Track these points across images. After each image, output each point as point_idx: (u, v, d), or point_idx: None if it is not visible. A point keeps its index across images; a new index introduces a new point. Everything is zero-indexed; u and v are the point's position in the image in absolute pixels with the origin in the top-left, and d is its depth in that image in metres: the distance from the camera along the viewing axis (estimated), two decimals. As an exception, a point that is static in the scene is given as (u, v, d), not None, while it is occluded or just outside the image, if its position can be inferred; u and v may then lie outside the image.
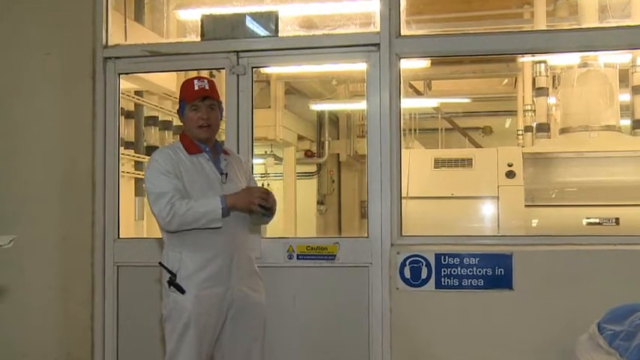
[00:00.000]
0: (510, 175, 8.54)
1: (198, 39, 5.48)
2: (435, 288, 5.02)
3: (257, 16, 5.43)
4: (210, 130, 4.22)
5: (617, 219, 8.17)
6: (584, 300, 4.80)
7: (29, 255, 5.44)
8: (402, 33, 5.23)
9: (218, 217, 3.99)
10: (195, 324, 4.04)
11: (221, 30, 5.43)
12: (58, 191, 5.48)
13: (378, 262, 5.11)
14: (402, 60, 5.26)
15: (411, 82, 12.81)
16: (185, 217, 3.98)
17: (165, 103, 9.81)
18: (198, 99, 4.18)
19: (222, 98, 4.43)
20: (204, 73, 8.05)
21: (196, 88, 4.19)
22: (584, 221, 8.24)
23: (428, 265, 5.02)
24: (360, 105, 12.76)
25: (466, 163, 8.86)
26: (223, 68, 5.44)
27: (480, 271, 4.96)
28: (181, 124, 4.35)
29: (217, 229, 4.06)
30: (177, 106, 4.33)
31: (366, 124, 5.34)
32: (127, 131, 9.24)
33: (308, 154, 15.73)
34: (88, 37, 5.50)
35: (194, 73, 7.41)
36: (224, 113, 4.47)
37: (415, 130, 13.94)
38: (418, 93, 13.41)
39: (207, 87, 4.20)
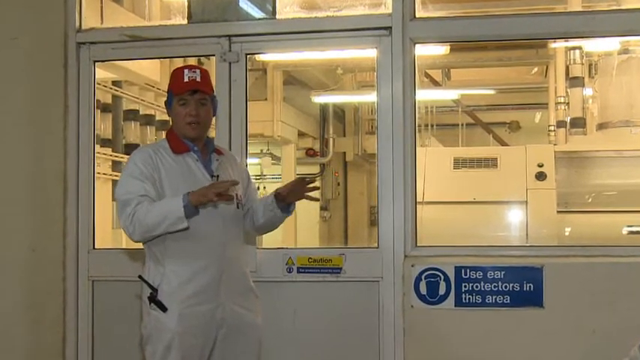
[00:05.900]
0: (541, 176, 8.55)
1: (185, 22, 5.48)
2: (455, 306, 5.02)
3: (252, -4, 5.45)
4: (199, 128, 4.21)
5: (662, 227, 8.18)
6: (625, 319, 4.80)
7: (-8, 268, 5.45)
8: (417, 15, 5.23)
9: (181, 215, 3.92)
10: (179, 346, 4.04)
11: (211, 11, 5.43)
12: (24, 196, 5.47)
13: (389, 276, 5.11)
14: (417, 46, 5.26)
15: (428, 70, 12.82)
16: (146, 222, 3.96)
17: (147, 94, 9.82)
18: (187, 92, 4.17)
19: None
20: (192, 61, 8.09)
21: (186, 79, 4.17)
22: (625, 230, 8.24)
23: (447, 279, 5.02)
24: (370, 97, 12.79)
25: (490, 163, 8.87)
26: (213, 55, 5.44)
27: (505, 287, 4.96)
28: (166, 118, 4.35)
29: (205, 239, 4.06)
30: (160, 99, 4.33)
31: (376, 119, 5.34)
32: (104, 127, 9.28)
33: (310, 153, 15.78)
34: (59, 20, 5.50)
35: (180, 61, 7.47)
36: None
37: (432, 125, 13.96)
38: (435, 83, 13.43)
39: (198, 79, 4.18)
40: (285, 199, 4.28)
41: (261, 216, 4.35)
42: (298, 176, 4.28)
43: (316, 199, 4.43)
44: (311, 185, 4.29)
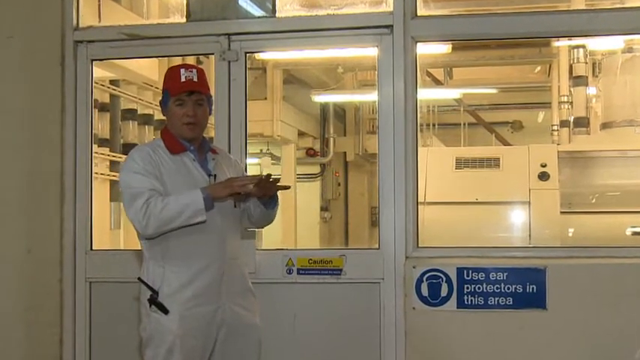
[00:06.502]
0: (544, 177, 8.55)
1: (184, 20, 5.48)
2: (457, 307, 5.01)
3: (251, -6, 5.45)
4: (197, 129, 4.21)
5: (667, 228, 8.17)
6: (629, 321, 4.80)
7: (-12, 270, 5.45)
8: (419, 13, 5.23)
9: (200, 207, 3.95)
10: (181, 348, 4.03)
11: (210, 10, 5.43)
12: (20, 196, 5.47)
13: (391, 277, 5.10)
14: (418, 44, 5.25)
15: (429, 69, 12.82)
16: (163, 215, 3.96)
17: (146, 94, 9.82)
18: (184, 93, 4.17)
19: (211, 88, 4.41)
20: (191, 59, 8.08)
21: (183, 79, 4.16)
22: (629, 230, 8.24)
23: (449, 281, 5.02)
24: (371, 96, 12.77)
25: (492, 163, 8.88)
26: (212, 54, 5.43)
27: (508, 288, 4.96)
28: (164, 118, 4.34)
29: (205, 238, 4.06)
30: (159, 98, 4.31)
31: (377, 118, 5.34)
32: (101, 126, 9.26)
33: (310, 152, 15.77)
34: (56, 18, 5.50)
35: (178, 60, 7.46)
36: (213, 107, 4.45)
37: (434, 125, 13.96)
38: (437, 82, 13.42)
39: (195, 79, 4.18)
40: (262, 197, 4.27)
41: (253, 212, 4.36)
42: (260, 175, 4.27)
43: (287, 187, 4.45)
44: (271, 179, 4.23)
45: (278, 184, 4.26)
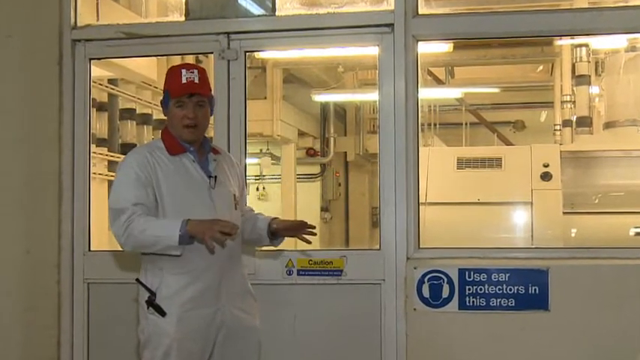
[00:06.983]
0: (546, 177, 8.55)
1: (183, 19, 5.48)
2: (459, 309, 5.01)
3: (251, -8, 5.45)
4: (197, 131, 4.18)
5: (670, 228, 8.18)
6: (632, 323, 4.80)
7: (-15, 271, 5.45)
8: (420, 11, 5.22)
9: (174, 244, 3.90)
10: (178, 351, 4.02)
11: (209, 8, 5.43)
12: (18, 196, 5.47)
13: (392, 278, 5.10)
14: (419, 43, 5.25)
15: (431, 68, 12.81)
16: (141, 239, 3.95)
17: (144, 93, 9.82)
18: (185, 95, 4.16)
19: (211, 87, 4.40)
20: (190, 59, 8.07)
21: (184, 80, 4.13)
22: (632, 231, 8.24)
23: (450, 282, 5.02)
24: (371, 95, 12.76)
25: (494, 163, 8.88)
26: (212, 52, 5.43)
27: (510, 290, 4.96)
28: (163, 117, 4.32)
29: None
30: (158, 97, 4.29)
31: (377, 118, 5.33)
32: (100, 126, 9.27)
33: (310, 152, 15.77)
34: (54, 17, 5.50)
35: (177, 59, 7.45)
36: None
37: (435, 124, 13.94)
38: (439, 82, 13.42)
39: (196, 80, 4.14)
40: (277, 233, 4.36)
41: (248, 233, 4.40)
42: (301, 220, 4.33)
43: (308, 242, 4.47)
44: (309, 230, 4.34)
45: (305, 236, 4.39)
